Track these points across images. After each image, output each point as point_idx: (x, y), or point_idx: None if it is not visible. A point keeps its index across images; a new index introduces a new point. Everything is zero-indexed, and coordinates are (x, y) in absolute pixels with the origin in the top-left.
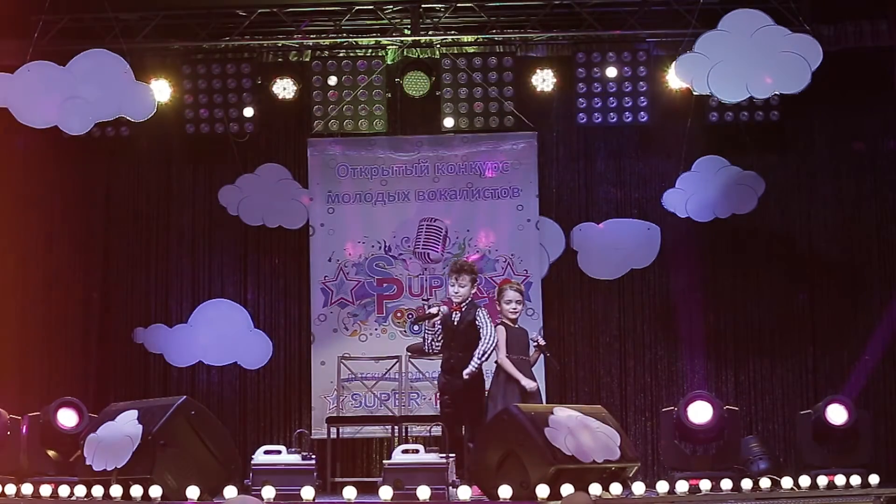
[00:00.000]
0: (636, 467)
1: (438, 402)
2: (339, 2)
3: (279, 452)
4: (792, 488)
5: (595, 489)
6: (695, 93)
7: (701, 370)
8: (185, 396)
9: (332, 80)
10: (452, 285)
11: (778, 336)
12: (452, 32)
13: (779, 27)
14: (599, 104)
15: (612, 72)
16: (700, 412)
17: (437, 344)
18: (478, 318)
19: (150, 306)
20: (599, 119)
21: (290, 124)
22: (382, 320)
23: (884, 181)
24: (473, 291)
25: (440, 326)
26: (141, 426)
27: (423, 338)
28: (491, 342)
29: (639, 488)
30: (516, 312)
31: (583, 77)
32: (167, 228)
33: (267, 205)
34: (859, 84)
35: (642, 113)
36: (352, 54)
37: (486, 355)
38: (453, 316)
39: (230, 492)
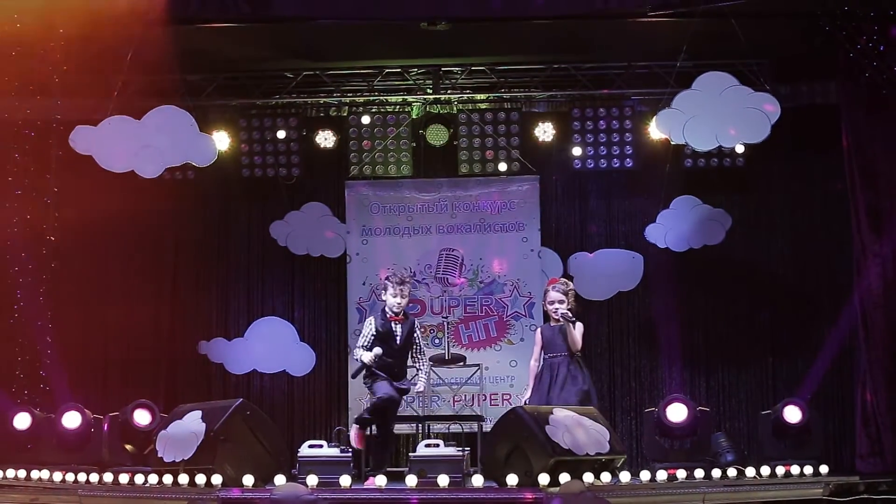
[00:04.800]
0: (623, 459)
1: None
2: (372, 66)
3: (321, 446)
4: (754, 477)
5: (588, 478)
6: (672, 142)
7: (678, 377)
8: (241, 399)
9: (366, 132)
10: (395, 296)
11: (743, 348)
12: (468, 91)
13: (743, 87)
14: (592, 152)
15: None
16: (677, 412)
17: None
18: (416, 333)
19: (212, 323)
20: (592, 165)
21: (330, 169)
22: None
23: (832, 217)
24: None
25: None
26: (204, 424)
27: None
28: (428, 365)
29: (625, 477)
30: (557, 313)
31: (578, 129)
32: (226, 257)
33: (311, 237)
34: (811, 135)
35: (628, 159)
36: (382, 110)
37: (428, 376)
38: (395, 328)
39: (280, 479)
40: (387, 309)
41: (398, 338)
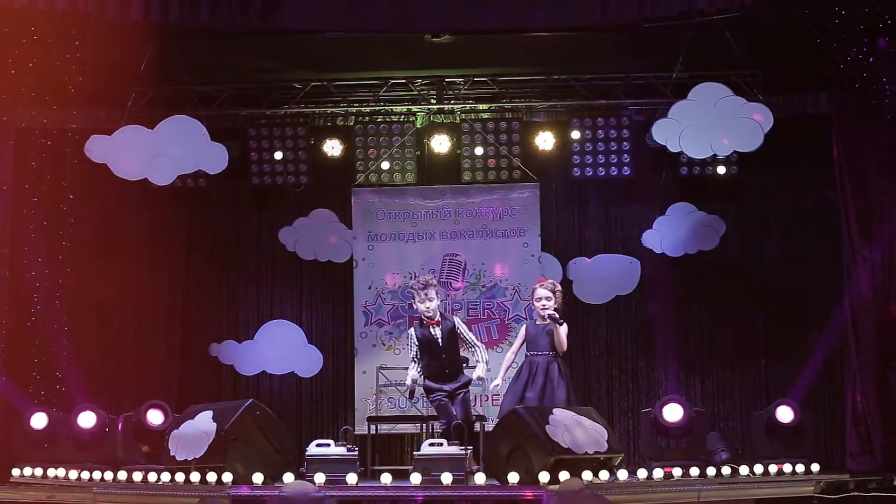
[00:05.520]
0: (621, 458)
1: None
2: (378, 76)
3: (328, 445)
4: (748, 475)
5: (587, 476)
6: (669, 151)
7: (674, 378)
8: (251, 399)
9: (372, 141)
10: (422, 302)
11: (737, 350)
12: (470, 102)
13: (737, 97)
14: (591, 160)
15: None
16: (673, 412)
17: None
18: (460, 329)
19: (223, 326)
20: (590, 173)
21: (337, 177)
22: None
23: (823, 223)
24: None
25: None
26: (215, 424)
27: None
28: (485, 352)
29: (623, 475)
30: (545, 309)
31: (577, 138)
32: (237, 262)
33: (318, 243)
34: (803, 144)
35: (625, 167)
36: (388, 119)
37: (487, 363)
38: (433, 331)
39: (288, 478)
40: (422, 316)
41: (439, 340)
